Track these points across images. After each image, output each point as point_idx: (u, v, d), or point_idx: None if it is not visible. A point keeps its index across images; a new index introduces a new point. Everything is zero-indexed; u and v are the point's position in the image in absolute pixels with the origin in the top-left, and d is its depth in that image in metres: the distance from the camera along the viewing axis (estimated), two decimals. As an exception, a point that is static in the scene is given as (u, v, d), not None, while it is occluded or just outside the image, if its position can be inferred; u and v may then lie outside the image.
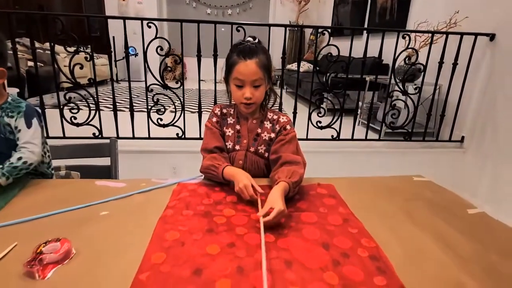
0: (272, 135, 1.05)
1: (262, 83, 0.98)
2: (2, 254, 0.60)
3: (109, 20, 2.31)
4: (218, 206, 0.83)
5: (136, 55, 5.36)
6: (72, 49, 2.09)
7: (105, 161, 1.33)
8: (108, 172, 1.33)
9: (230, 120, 1.08)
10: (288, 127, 1.04)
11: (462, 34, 2.31)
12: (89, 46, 2.19)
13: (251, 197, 0.84)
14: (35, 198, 0.84)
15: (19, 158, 0.90)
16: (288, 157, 0.96)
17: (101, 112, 2.24)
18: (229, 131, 1.07)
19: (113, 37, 4.43)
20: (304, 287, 0.55)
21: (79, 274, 0.56)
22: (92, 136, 2.22)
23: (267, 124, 1.06)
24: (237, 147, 1.06)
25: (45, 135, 1.13)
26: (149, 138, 2.33)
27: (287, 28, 2.33)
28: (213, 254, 0.63)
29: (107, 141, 1.34)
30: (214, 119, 1.08)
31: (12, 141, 0.96)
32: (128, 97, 2.29)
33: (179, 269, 0.58)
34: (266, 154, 1.05)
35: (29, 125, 0.95)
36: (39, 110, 1.06)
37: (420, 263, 0.63)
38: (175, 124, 2.31)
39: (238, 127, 1.07)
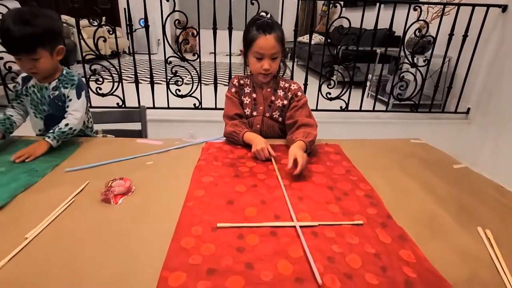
0: (285, 102, 1.18)
1: (278, 56, 1.09)
2: (81, 188, 0.78)
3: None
4: (241, 159, 1.00)
5: (147, 27, 5.39)
6: (95, 23, 2.21)
7: (130, 126, 1.50)
8: (137, 136, 1.51)
9: (247, 90, 1.21)
10: (299, 93, 1.16)
11: (474, 6, 2.32)
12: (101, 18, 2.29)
13: (266, 158, 0.99)
14: (92, 151, 1.02)
15: (66, 124, 1.04)
16: (303, 120, 1.10)
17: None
18: (247, 99, 1.21)
19: (124, 9, 4.48)
20: (312, 213, 0.72)
21: (141, 202, 0.74)
22: (116, 106, 2.39)
23: (280, 92, 1.18)
24: (254, 113, 1.21)
25: (89, 104, 1.28)
26: (168, 108, 2.49)
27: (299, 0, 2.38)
28: (241, 191, 0.80)
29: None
30: (233, 90, 1.22)
31: (65, 109, 1.12)
32: (145, 69, 2.42)
33: (216, 200, 0.76)
34: (280, 119, 1.20)
35: (78, 96, 1.10)
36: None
37: (405, 199, 0.80)
38: (192, 95, 2.45)
39: (254, 95, 1.20)
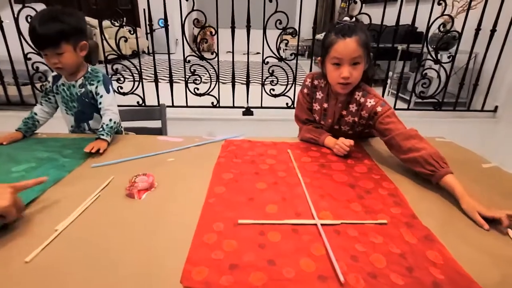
0: (356, 119, 1.06)
1: (361, 61, 0.96)
2: (106, 183, 0.81)
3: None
4: (261, 156, 1.00)
5: (166, 26, 5.48)
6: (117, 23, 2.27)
7: (150, 124, 1.53)
8: (157, 133, 1.53)
9: (319, 95, 1.11)
10: (378, 109, 0.98)
11: (503, -1, 2.21)
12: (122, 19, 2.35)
13: (346, 151, 0.97)
14: (116, 148, 1.05)
15: (110, 120, 1.08)
16: (399, 135, 0.92)
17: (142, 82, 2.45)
18: (317, 106, 1.13)
19: (144, 9, 4.57)
20: (334, 212, 0.71)
21: (164, 197, 0.76)
22: (136, 104, 2.45)
23: (352, 108, 1.05)
24: (322, 123, 1.14)
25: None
26: (186, 106, 2.53)
27: (319, -3, 2.34)
28: (261, 188, 0.80)
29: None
30: (305, 90, 1.14)
31: (93, 105, 1.17)
32: (163, 68, 2.46)
33: (237, 197, 0.76)
34: (350, 132, 1.11)
35: (108, 91, 1.14)
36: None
37: (431, 199, 0.77)
38: (210, 94, 2.47)
39: (325, 105, 1.10)
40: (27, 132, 1.11)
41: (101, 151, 0.98)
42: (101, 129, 1.05)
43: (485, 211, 0.68)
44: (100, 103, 1.13)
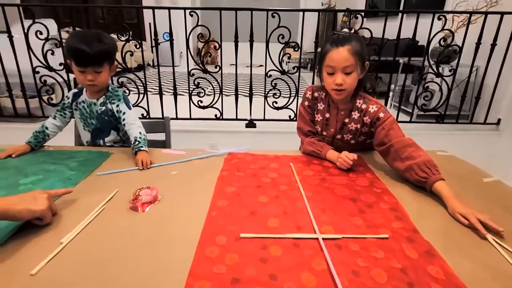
0: (358, 126, 1.08)
1: (353, 70, 1.00)
2: (111, 196, 0.82)
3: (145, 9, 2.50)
4: (263, 170, 1.01)
5: (171, 40, 5.60)
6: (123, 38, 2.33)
7: (154, 136, 1.54)
8: (161, 145, 1.55)
9: (320, 106, 1.15)
10: (381, 115, 1.02)
11: (502, 14, 2.25)
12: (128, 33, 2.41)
13: (349, 164, 0.98)
14: (121, 160, 1.07)
15: (140, 133, 1.12)
16: (398, 143, 0.95)
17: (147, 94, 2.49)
18: (318, 117, 1.16)
19: (149, 23, 4.68)
20: (335, 226, 0.71)
21: (167, 211, 0.77)
22: (141, 116, 2.48)
23: (355, 115, 1.08)
24: (325, 133, 1.16)
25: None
26: (190, 118, 2.56)
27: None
28: (263, 202, 0.81)
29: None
30: (306, 103, 1.17)
31: (111, 122, 1.21)
32: (168, 81, 2.50)
33: (239, 210, 0.77)
34: (353, 141, 1.13)
35: (129, 107, 1.19)
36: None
37: (432, 213, 0.77)
38: (213, 106, 2.50)
39: (327, 115, 1.13)
40: (36, 146, 1.13)
41: (150, 163, 1.02)
42: (137, 142, 1.08)
43: (465, 213, 0.73)
44: (124, 119, 1.16)
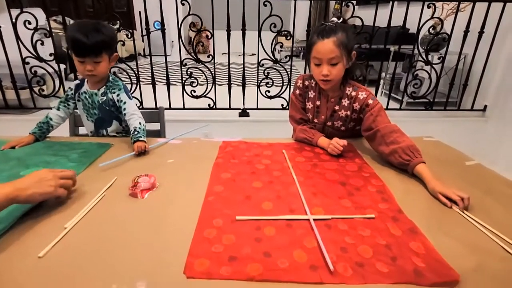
0: (348, 112, 1.12)
1: (339, 61, 1.03)
2: (109, 184, 0.85)
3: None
4: (257, 157, 1.04)
5: (162, 29, 5.52)
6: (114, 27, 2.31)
7: (148, 126, 1.55)
8: (155, 135, 1.57)
9: (311, 94, 1.19)
10: (370, 101, 1.07)
11: (490, 2, 2.28)
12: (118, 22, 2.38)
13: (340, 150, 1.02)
14: (120, 150, 1.09)
15: (140, 123, 1.14)
16: (384, 129, 1.00)
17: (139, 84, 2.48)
18: (309, 105, 1.20)
19: (139, 12, 4.60)
20: (326, 208, 0.76)
21: (165, 197, 0.80)
22: (134, 107, 2.48)
23: (345, 102, 1.12)
24: (316, 120, 1.20)
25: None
26: (183, 108, 2.57)
27: None
28: (257, 187, 0.85)
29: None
30: (297, 91, 1.21)
31: (112, 112, 1.22)
32: (160, 71, 2.50)
33: (234, 195, 0.81)
34: (343, 128, 1.18)
35: (129, 97, 1.20)
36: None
37: (416, 195, 0.82)
38: (207, 96, 2.51)
39: (318, 102, 1.18)
40: (40, 137, 1.15)
41: (147, 149, 1.05)
42: (136, 132, 1.10)
43: (445, 192, 0.78)
44: (124, 109, 1.18)
